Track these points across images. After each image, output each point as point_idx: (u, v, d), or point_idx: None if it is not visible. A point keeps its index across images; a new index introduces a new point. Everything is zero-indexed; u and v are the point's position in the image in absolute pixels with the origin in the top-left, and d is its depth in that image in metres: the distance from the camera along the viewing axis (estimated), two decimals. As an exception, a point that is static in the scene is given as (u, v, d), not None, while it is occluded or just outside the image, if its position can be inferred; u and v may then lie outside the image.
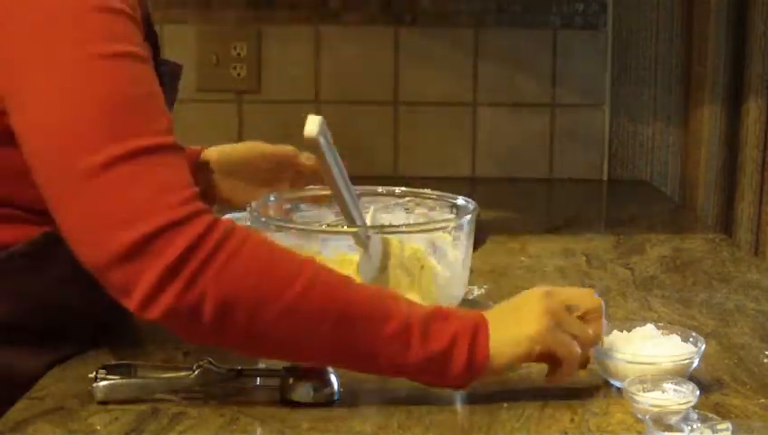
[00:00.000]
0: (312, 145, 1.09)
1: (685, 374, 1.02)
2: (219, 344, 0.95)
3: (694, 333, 1.09)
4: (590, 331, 1.02)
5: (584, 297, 1.05)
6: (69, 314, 1.11)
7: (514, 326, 0.99)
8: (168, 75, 1.24)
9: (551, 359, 1.00)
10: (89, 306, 1.08)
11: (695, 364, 1.05)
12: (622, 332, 1.10)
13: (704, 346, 1.06)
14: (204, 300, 0.90)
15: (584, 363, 1.02)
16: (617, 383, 1.03)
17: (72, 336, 1.12)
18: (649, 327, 1.11)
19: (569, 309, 1.02)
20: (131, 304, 0.91)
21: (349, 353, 0.96)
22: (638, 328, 1.11)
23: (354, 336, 0.95)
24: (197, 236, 0.90)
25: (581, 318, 1.03)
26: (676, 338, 1.09)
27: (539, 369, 1.07)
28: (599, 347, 1.04)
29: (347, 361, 0.98)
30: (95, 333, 1.15)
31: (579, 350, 1.00)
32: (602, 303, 1.05)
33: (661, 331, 1.10)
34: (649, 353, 1.04)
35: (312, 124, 1.08)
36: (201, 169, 1.37)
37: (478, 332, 0.98)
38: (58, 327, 1.11)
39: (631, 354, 1.03)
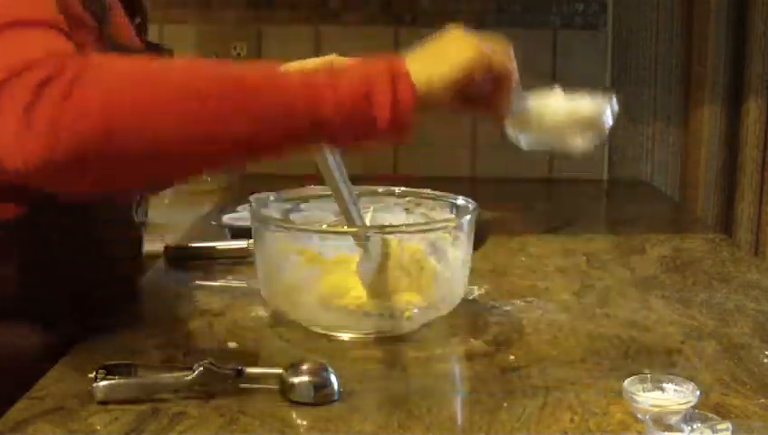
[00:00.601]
0: (320, 164, 1.08)
1: (601, 126, 1.11)
2: (116, 171, 0.87)
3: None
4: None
5: (497, 46, 1.05)
6: (60, 289, 1.13)
7: (442, 54, 0.98)
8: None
9: (490, 82, 1.00)
10: (78, 280, 1.10)
11: (608, 115, 1.12)
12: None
13: (614, 98, 1.12)
14: (86, 111, 0.83)
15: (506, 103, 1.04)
16: (523, 141, 1.10)
17: (67, 314, 1.13)
18: (557, 89, 1.17)
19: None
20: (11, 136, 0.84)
21: (262, 126, 0.88)
22: (546, 91, 1.17)
23: (260, 103, 0.87)
24: (57, 65, 0.84)
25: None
26: (585, 96, 1.17)
27: (539, 369, 1.08)
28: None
29: (263, 136, 0.90)
30: (92, 311, 1.16)
31: (514, 66, 1.01)
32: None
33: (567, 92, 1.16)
34: (564, 104, 1.11)
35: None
36: None
37: (394, 65, 0.93)
38: (52, 304, 1.12)
39: (547, 105, 1.12)
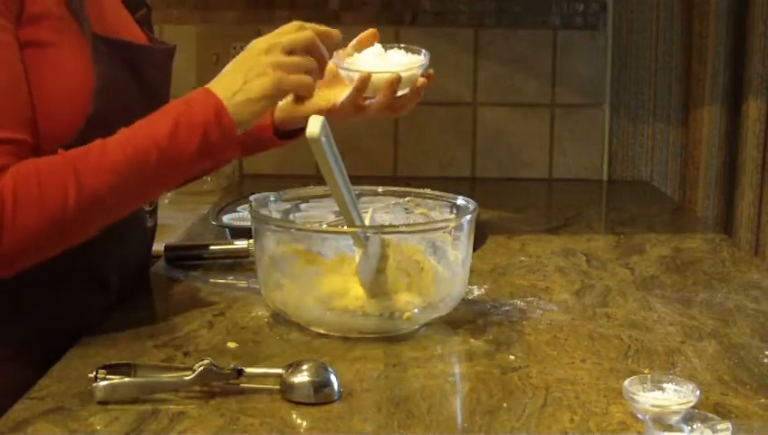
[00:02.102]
0: (313, 145, 1.09)
1: (415, 81, 1.30)
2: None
3: (419, 49, 1.32)
4: (312, 58, 1.19)
5: (295, 36, 1.20)
6: (50, 277, 1.16)
7: (247, 88, 1.14)
8: (159, 55, 1.27)
9: (294, 97, 1.24)
10: (70, 265, 1.14)
11: (421, 71, 1.30)
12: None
13: (428, 56, 1.31)
14: (14, 247, 1.06)
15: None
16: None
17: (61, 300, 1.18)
18: (377, 46, 1.32)
19: (289, 51, 1.17)
20: None
21: (143, 192, 1.15)
22: (368, 49, 1.32)
23: (142, 180, 1.11)
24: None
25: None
26: (401, 52, 1.32)
27: (539, 369, 1.08)
28: (339, 62, 1.28)
29: (143, 197, 1.19)
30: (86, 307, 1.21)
31: (310, 79, 1.18)
32: (309, 33, 1.22)
33: (386, 48, 1.32)
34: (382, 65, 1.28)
35: (314, 124, 1.09)
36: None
37: (219, 112, 1.12)
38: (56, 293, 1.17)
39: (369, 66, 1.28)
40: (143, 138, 1.10)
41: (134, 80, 1.19)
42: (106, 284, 1.23)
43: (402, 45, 1.34)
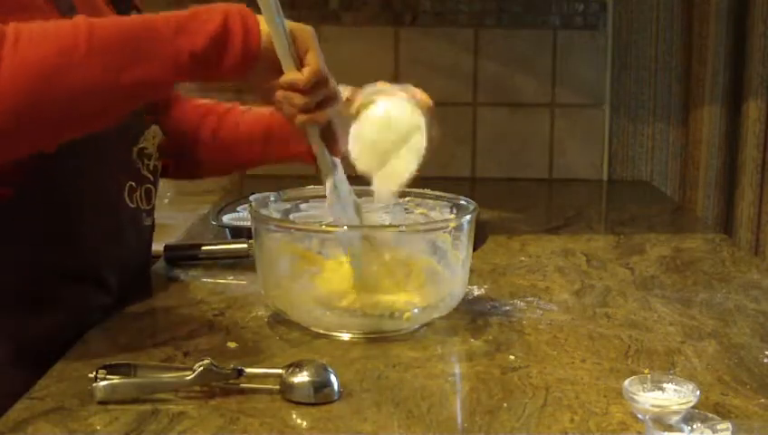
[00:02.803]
0: (262, 3, 1.08)
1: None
2: (44, 126, 1.00)
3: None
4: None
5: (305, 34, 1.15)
6: (47, 277, 1.15)
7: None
8: None
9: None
10: (65, 264, 1.13)
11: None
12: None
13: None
14: (4, 85, 0.95)
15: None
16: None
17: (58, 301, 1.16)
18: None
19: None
20: None
21: (144, 69, 1.02)
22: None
23: (131, 53, 1.02)
24: None
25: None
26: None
27: (539, 369, 1.08)
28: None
29: (145, 75, 1.03)
30: (84, 299, 1.19)
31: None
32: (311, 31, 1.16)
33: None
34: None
35: None
36: None
37: (249, 19, 1.07)
38: (43, 290, 1.14)
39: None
40: (161, 15, 1.06)
41: None
42: (105, 284, 1.23)
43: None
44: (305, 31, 1.14)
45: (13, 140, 0.99)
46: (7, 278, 1.11)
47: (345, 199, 1.20)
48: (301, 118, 1.14)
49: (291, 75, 1.12)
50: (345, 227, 1.22)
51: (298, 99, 1.13)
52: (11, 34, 0.96)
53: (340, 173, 1.20)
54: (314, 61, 1.13)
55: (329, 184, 1.19)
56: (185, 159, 1.47)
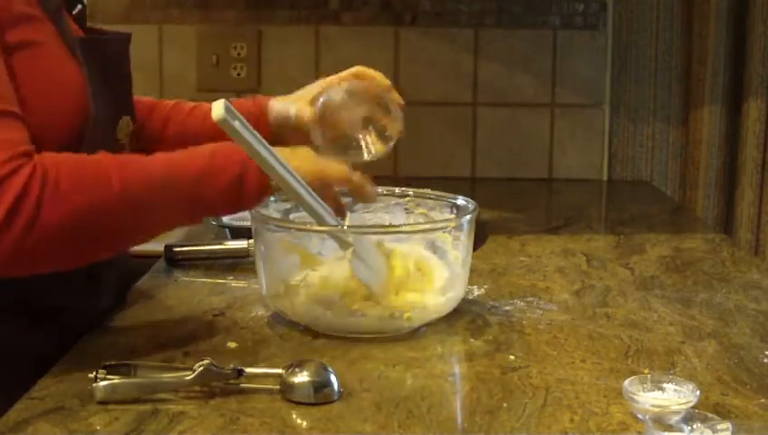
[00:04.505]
0: (224, 126, 1.08)
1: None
2: (80, 258, 1.08)
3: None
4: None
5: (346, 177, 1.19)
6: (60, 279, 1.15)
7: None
8: (113, 44, 1.28)
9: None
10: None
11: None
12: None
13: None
14: (50, 229, 1.00)
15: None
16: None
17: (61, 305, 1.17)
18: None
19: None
20: None
21: (168, 219, 1.12)
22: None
23: (158, 202, 1.08)
24: (23, 185, 0.99)
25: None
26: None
27: (539, 369, 1.08)
28: None
29: (175, 219, 1.14)
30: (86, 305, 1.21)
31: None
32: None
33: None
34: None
35: (218, 107, 1.07)
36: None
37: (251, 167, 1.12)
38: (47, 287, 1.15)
39: None
40: (182, 158, 1.11)
41: (100, 75, 1.19)
42: (95, 278, 1.23)
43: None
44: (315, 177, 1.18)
45: (51, 266, 1.06)
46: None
47: (367, 260, 1.20)
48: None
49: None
50: (345, 227, 1.22)
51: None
52: (52, 178, 1.00)
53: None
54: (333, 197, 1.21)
55: (349, 255, 1.18)
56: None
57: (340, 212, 1.22)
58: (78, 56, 1.14)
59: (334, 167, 1.19)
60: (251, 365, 1.03)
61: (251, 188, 1.11)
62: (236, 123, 1.08)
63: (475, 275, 1.36)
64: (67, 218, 1.01)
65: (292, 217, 1.32)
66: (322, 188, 1.17)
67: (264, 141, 1.11)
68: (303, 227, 1.24)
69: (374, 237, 1.20)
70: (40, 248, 1.00)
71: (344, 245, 1.17)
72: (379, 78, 1.42)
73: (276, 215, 1.29)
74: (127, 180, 1.05)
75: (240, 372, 1.00)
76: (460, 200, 1.31)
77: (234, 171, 1.10)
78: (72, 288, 1.17)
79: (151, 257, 1.50)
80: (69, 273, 1.14)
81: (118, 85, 1.25)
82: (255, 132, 1.10)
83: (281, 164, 1.11)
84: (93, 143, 1.14)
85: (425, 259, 1.22)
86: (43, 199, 0.99)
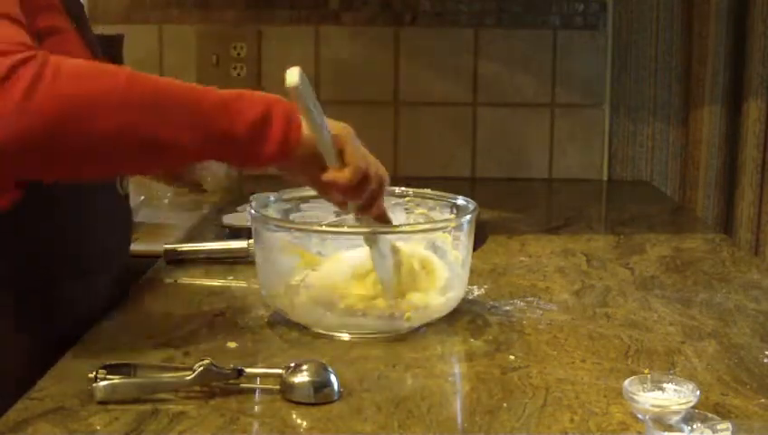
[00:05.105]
0: (294, 94, 1.07)
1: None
2: (60, 160, 0.98)
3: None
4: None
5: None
6: (61, 273, 1.15)
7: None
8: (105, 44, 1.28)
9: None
10: (79, 261, 1.15)
11: None
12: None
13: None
14: (53, 95, 0.94)
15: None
16: None
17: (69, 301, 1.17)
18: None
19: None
20: None
21: (175, 133, 1.02)
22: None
23: (187, 118, 1.02)
24: (27, 59, 0.94)
25: None
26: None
27: (539, 369, 1.08)
28: None
29: (174, 139, 1.02)
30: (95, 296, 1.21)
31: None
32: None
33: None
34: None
35: (293, 74, 1.06)
36: None
37: (293, 111, 1.07)
38: (52, 287, 1.15)
39: None
40: (205, 89, 1.06)
41: None
42: (106, 273, 1.24)
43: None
44: (344, 128, 1.15)
45: (24, 162, 0.97)
46: (17, 275, 1.12)
47: (386, 258, 1.20)
48: (354, 214, 1.19)
49: (332, 174, 1.12)
50: (345, 228, 1.22)
51: (340, 197, 1.16)
52: (53, 64, 0.95)
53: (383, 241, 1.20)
54: (354, 160, 1.13)
55: (373, 251, 1.18)
56: None
57: (382, 218, 1.20)
58: (98, 53, 1.15)
59: (380, 167, 1.18)
60: (251, 365, 1.03)
61: (277, 130, 1.06)
62: (306, 92, 1.07)
63: (475, 275, 1.36)
64: (56, 103, 0.94)
65: (292, 217, 1.32)
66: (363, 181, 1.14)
67: (320, 106, 1.10)
68: (303, 226, 1.25)
69: (389, 237, 1.20)
70: (40, 118, 0.94)
71: (370, 242, 1.17)
72: None
73: (276, 215, 1.30)
74: (135, 78, 1.00)
75: (240, 372, 1.00)
76: (460, 200, 1.31)
77: (261, 107, 1.06)
78: (68, 284, 1.18)
79: (151, 257, 1.50)
80: (79, 263, 1.14)
81: None
82: (320, 107, 1.09)
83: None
84: None
85: (428, 258, 1.22)
86: (43, 75, 0.94)
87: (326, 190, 1.16)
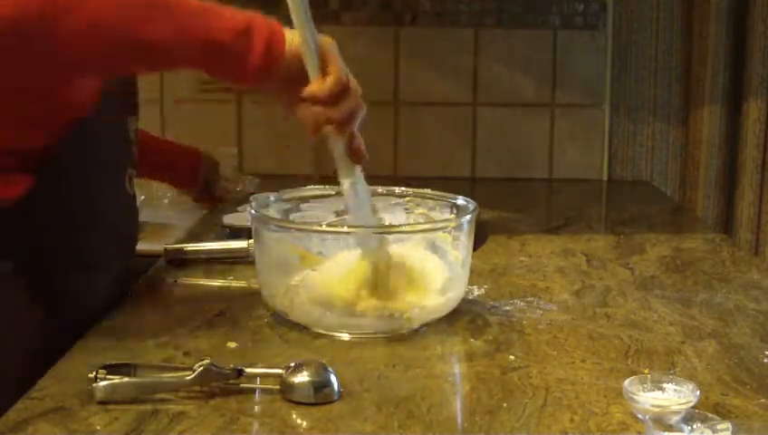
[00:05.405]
0: None
1: None
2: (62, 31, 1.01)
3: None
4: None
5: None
6: (65, 267, 1.16)
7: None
8: None
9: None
10: (84, 253, 1.16)
11: None
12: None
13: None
14: None
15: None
16: None
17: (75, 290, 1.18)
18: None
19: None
20: None
21: (159, 34, 1.05)
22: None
23: (154, 9, 1.05)
24: None
25: None
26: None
27: (539, 369, 1.08)
28: None
29: (158, 41, 1.05)
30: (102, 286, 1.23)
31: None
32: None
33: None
34: None
35: None
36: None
37: (275, 24, 1.10)
38: (58, 279, 1.16)
39: None
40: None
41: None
42: (110, 272, 1.24)
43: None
44: (328, 43, 1.14)
45: (21, 45, 1.01)
46: (24, 269, 1.12)
47: (363, 200, 1.19)
48: (325, 130, 1.14)
49: (313, 86, 1.11)
50: (345, 228, 1.22)
51: (320, 111, 1.12)
52: None
53: (359, 175, 1.19)
54: (336, 71, 1.12)
55: (346, 184, 1.18)
56: None
57: (357, 154, 1.18)
58: None
59: (359, 88, 1.16)
60: (251, 365, 1.03)
61: (260, 40, 1.08)
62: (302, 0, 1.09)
63: (475, 275, 1.36)
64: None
65: (292, 217, 1.32)
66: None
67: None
68: (303, 226, 1.25)
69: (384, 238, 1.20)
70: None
71: (347, 174, 1.17)
72: None
73: (276, 215, 1.30)
74: None
75: (240, 372, 1.00)
76: (460, 200, 1.31)
77: (244, 20, 1.08)
78: (71, 278, 1.18)
79: (151, 257, 1.50)
80: (68, 261, 1.14)
81: (128, 87, 1.27)
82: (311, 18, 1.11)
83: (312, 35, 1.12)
84: (109, 139, 1.17)
85: (421, 263, 1.22)
86: None
87: (303, 110, 1.14)
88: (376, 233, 1.19)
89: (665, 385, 0.97)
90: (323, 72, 1.12)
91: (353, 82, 1.15)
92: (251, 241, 1.33)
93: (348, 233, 1.21)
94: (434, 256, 1.24)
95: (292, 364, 1.00)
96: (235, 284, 1.40)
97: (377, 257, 1.17)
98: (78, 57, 1.05)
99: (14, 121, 1.10)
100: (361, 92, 1.16)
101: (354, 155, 1.17)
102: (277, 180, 2.08)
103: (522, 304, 1.32)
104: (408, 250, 1.22)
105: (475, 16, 2.29)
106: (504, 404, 0.98)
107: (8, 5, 0.98)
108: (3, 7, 0.98)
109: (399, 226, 1.30)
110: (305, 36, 1.10)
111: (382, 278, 1.17)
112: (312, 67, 1.11)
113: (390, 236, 1.21)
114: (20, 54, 1.02)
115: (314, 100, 1.12)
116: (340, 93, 1.12)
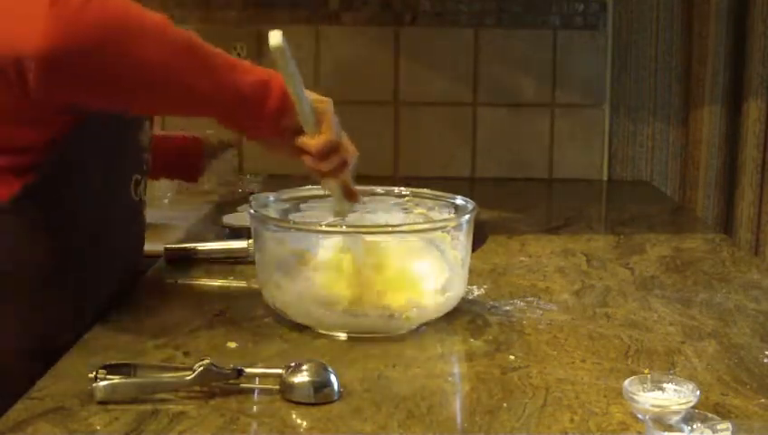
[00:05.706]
0: (277, 55, 1.12)
1: None
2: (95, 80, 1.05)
3: None
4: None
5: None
6: (67, 265, 1.16)
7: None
8: None
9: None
10: (85, 253, 1.16)
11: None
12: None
13: None
14: (105, 14, 1.03)
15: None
16: None
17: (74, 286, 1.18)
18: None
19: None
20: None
21: (197, 77, 1.11)
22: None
23: (194, 59, 1.11)
24: None
25: None
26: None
27: (539, 369, 1.08)
28: None
29: (195, 83, 1.11)
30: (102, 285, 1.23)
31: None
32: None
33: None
34: None
35: (276, 36, 1.12)
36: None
37: (279, 90, 1.16)
38: (58, 279, 1.15)
39: None
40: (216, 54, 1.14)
41: None
42: (113, 273, 1.24)
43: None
44: (323, 102, 1.20)
45: (64, 71, 1.02)
46: (24, 269, 1.12)
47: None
48: (321, 180, 1.24)
49: (305, 140, 1.19)
50: (344, 227, 1.22)
51: (310, 161, 1.21)
52: None
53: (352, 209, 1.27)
54: (328, 130, 1.19)
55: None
56: None
57: (351, 196, 1.26)
58: None
59: (351, 146, 1.24)
60: (251, 365, 1.03)
61: (276, 93, 1.15)
62: (288, 55, 1.13)
63: (474, 275, 1.36)
64: (114, 21, 1.03)
65: (291, 217, 1.32)
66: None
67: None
68: (303, 227, 1.25)
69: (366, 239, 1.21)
70: (91, 29, 1.01)
71: (339, 212, 1.25)
72: None
73: (276, 215, 1.30)
74: (170, 23, 1.10)
75: (240, 372, 1.00)
76: (459, 200, 1.31)
77: (265, 75, 1.15)
78: (71, 277, 1.18)
79: (151, 257, 1.50)
80: (69, 260, 1.15)
81: None
82: (299, 75, 1.15)
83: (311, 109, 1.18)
84: (113, 144, 1.20)
85: (412, 269, 1.21)
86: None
87: (297, 154, 1.22)
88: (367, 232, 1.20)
89: (665, 385, 0.97)
90: (318, 128, 1.19)
91: (345, 141, 1.22)
92: (251, 241, 1.33)
93: (348, 233, 1.21)
94: (431, 255, 1.24)
95: (292, 364, 1.00)
96: (234, 284, 1.40)
97: (353, 242, 1.18)
98: (120, 92, 1.09)
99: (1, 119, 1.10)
100: (354, 150, 1.24)
101: (348, 197, 1.26)
102: (277, 180, 2.08)
103: (522, 304, 1.32)
104: (395, 244, 1.21)
105: (475, 16, 2.29)
106: (504, 404, 0.98)
107: (64, 30, 1.00)
108: (58, 32, 1.00)
109: (398, 225, 1.29)
110: (298, 92, 1.16)
111: (362, 272, 1.17)
112: (306, 123, 1.18)
113: (390, 237, 1.21)
114: (62, 74, 1.03)
115: (306, 151, 1.20)
116: (329, 151, 1.20)
